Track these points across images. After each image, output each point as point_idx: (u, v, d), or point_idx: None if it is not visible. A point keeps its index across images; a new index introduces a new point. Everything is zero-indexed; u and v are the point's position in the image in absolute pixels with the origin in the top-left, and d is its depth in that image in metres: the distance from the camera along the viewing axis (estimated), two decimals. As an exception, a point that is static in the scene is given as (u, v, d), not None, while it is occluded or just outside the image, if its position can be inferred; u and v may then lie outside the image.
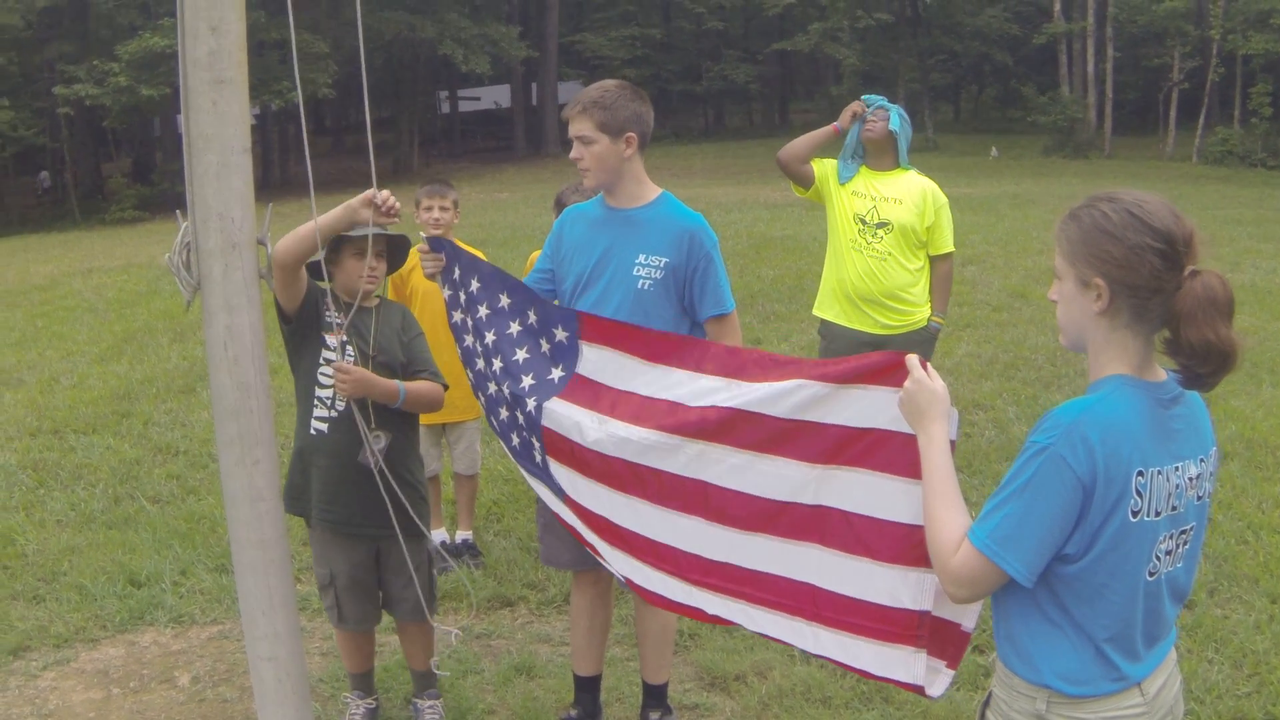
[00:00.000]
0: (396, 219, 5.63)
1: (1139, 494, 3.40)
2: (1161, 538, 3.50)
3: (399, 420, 6.32)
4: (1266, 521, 9.24)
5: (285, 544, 4.86)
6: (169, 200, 53.50)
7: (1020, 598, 3.57)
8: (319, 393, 6.23)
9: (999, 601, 3.66)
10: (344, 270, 6.14)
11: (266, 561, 4.76)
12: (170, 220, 4.51)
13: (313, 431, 6.26)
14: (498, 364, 5.53)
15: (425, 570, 6.54)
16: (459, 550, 9.16)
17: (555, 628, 7.96)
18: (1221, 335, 3.35)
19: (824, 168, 9.00)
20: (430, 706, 6.76)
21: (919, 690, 4.22)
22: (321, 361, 6.21)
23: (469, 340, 5.78)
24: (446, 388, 6.56)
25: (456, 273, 5.86)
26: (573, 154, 6.00)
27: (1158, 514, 3.46)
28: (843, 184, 8.87)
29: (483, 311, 5.70)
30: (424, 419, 8.27)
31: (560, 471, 5.30)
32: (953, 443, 3.85)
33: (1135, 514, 3.40)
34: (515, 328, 5.59)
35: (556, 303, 6.06)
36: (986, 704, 3.87)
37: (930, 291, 8.99)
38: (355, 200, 5.50)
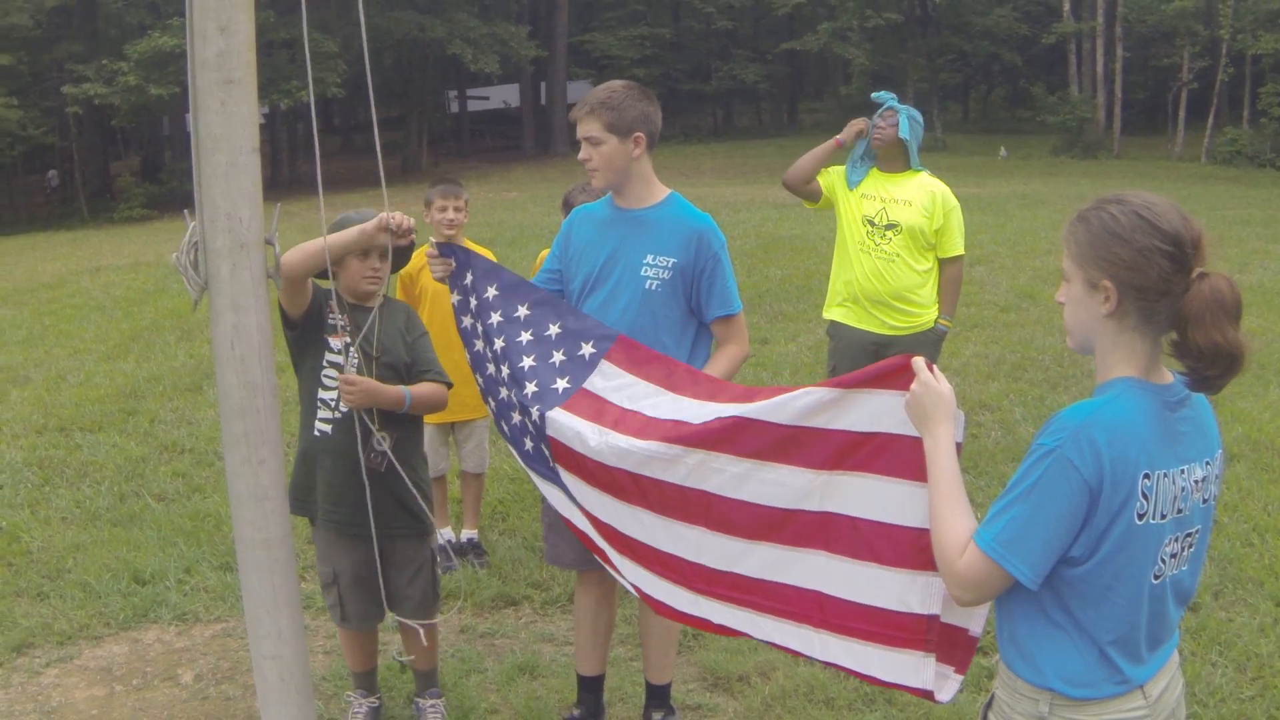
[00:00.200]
0: (412, 237, 5.64)
1: (1145, 497, 3.40)
2: (1167, 541, 3.50)
3: (403, 420, 6.32)
4: (1272, 524, 9.22)
5: (290, 543, 4.86)
6: (177, 199, 53.69)
7: (1024, 600, 3.56)
8: (322, 394, 6.24)
9: (1003, 603, 3.65)
10: (347, 271, 6.13)
11: (271, 561, 4.76)
12: (178, 219, 4.51)
13: (316, 433, 6.28)
14: (505, 370, 5.52)
15: (428, 569, 6.56)
16: (464, 549, 9.16)
17: (559, 627, 7.96)
18: (1229, 338, 3.34)
19: (830, 178, 9.03)
20: (433, 706, 6.75)
21: (929, 695, 4.21)
22: (325, 364, 6.22)
23: (479, 345, 5.78)
24: (450, 386, 6.57)
25: (468, 278, 5.85)
26: (581, 155, 6.00)
27: (1163, 517, 3.45)
28: (852, 189, 8.89)
29: (495, 318, 5.69)
30: (434, 418, 8.31)
31: (569, 479, 5.30)
32: (959, 445, 3.84)
33: (1141, 517, 3.40)
34: (526, 337, 5.57)
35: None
36: (989, 706, 3.87)
37: (939, 293, 8.99)
38: (370, 225, 5.53)
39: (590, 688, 6.68)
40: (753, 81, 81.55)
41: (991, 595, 3.58)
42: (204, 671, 7.49)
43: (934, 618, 4.12)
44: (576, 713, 6.67)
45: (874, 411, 4.19)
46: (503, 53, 66.42)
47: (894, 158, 8.82)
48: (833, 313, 9.19)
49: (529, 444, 5.51)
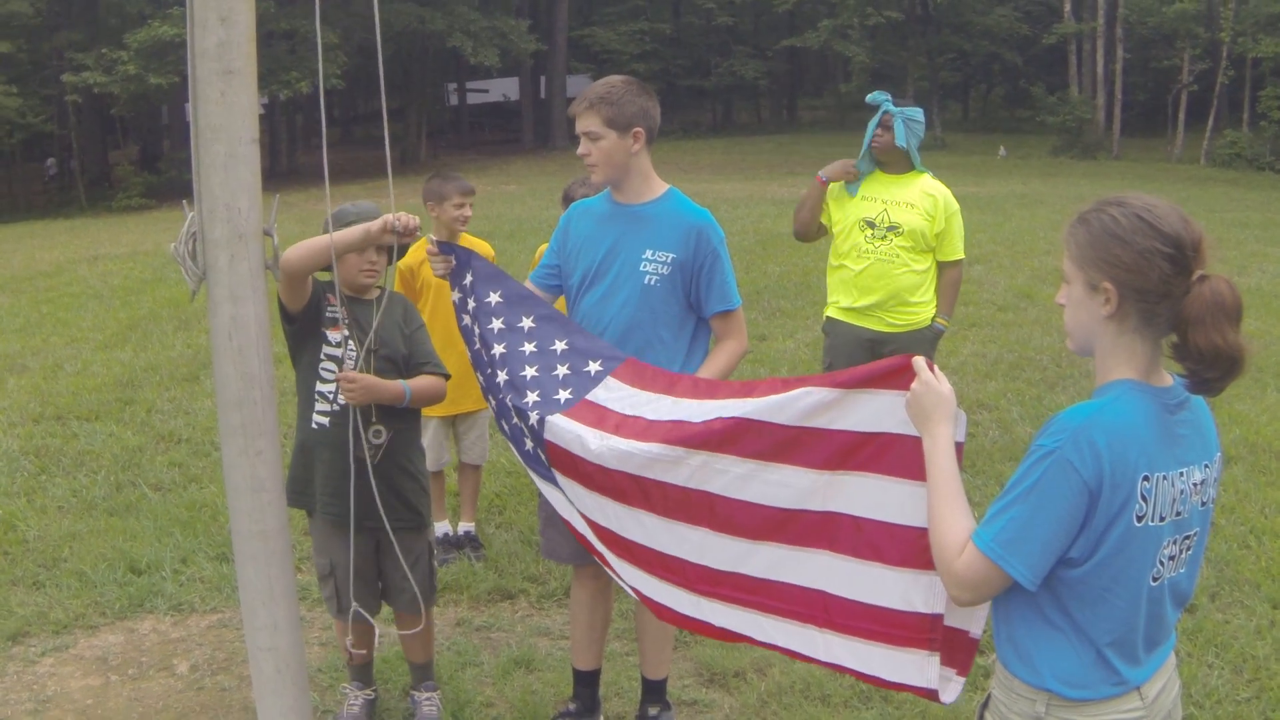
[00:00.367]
0: (417, 237, 5.65)
1: (1144, 499, 3.39)
2: (1165, 543, 3.49)
3: (401, 413, 6.33)
4: (1269, 526, 9.22)
5: (287, 535, 4.86)
6: (176, 188, 53.69)
7: (1022, 600, 3.56)
8: (321, 387, 6.24)
9: (1000, 603, 3.65)
10: (344, 264, 6.12)
11: (268, 552, 4.76)
12: (176, 208, 4.51)
13: (314, 426, 6.28)
14: (503, 376, 5.50)
15: (425, 561, 6.56)
16: (461, 542, 9.16)
17: (555, 621, 7.96)
18: (1229, 340, 3.34)
19: (827, 205, 9.06)
20: (428, 699, 6.75)
21: (933, 695, 4.20)
22: (323, 357, 6.23)
23: (477, 345, 5.77)
24: (448, 378, 6.58)
25: (468, 279, 5.83)
26: (580, 150, 5.99)
27: (1162, 519, 3.45)
28: (853, 195, 8.89)
29: (496, 324, 5.67)
30: (438, 411, 8.33)
31: (566, 484, 5.28)
32: (960, 445, 3.84)
33: (1140, 519, 3.40)
34: (529, 347, 5.55)
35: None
36: (985, 706, 3.87)
37: (937, 294, 8.99)
38: (374, 226, 5.50)
39: (586, 682, 6.68)
40: (752, 78, 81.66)
41: (989, 595, 3.58)
42: (200, 662, 7.49)
43: (938, 617, 4.12)
44: (572, 707, 6.66)
45: (875, 412, 4.19)
46: (503, 46, 66.43)
47: (896, 160, 8.82)
48: (830, 309, 9.20)
49: (529, 444, 5.50)
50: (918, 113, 8.77)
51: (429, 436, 8.90)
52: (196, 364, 15.32)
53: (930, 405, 3.82)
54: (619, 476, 4.90)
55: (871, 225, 8.72)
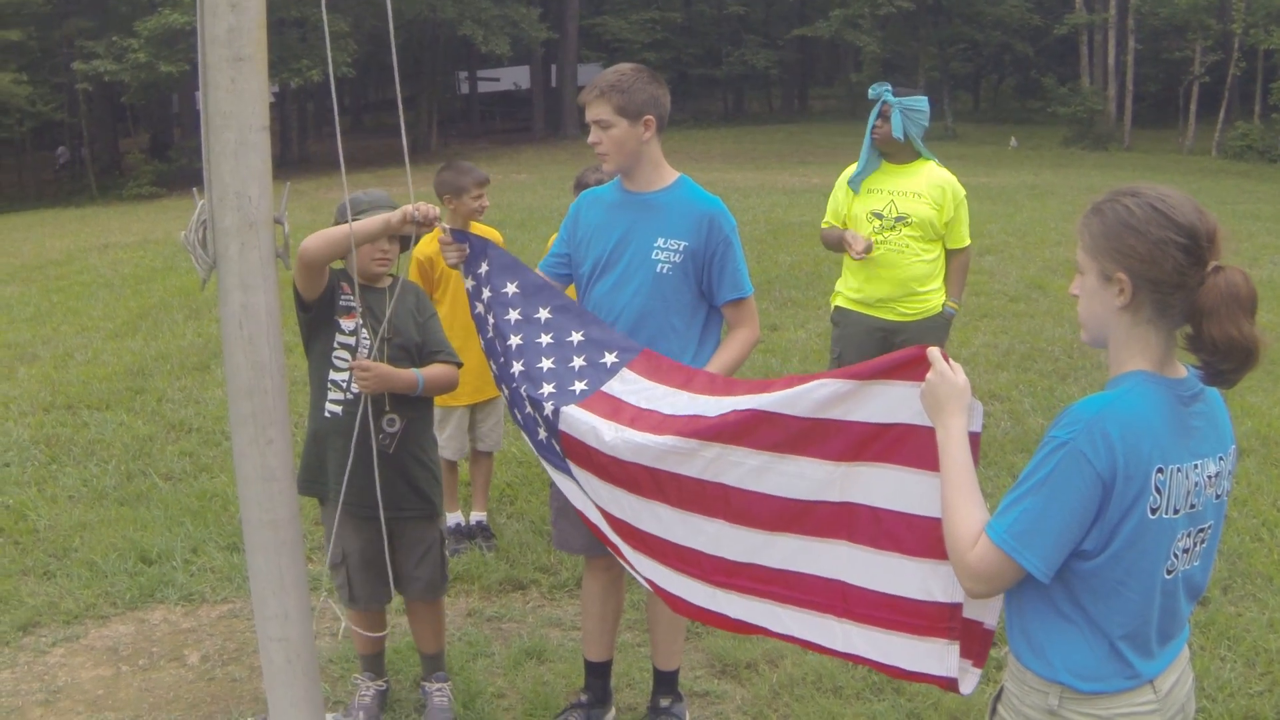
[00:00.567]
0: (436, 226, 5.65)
1: (1158, 491, 3.38)
2: (1180, 536, 3.48)
3: (414, 402, 6.34)
4: (1282, 519, 9.20)
5: (297, 524, 4.85)
6: (186, 177, 53.59)
7: (1035, 592, 3.55)
8: (334, 376, 6.25)
9: (1013, 596, 3.64)
10: (358, 252, 6.12)
11: (278, 542, 4.76)
12: (187, 197, 4.50)
13: (327, 414, 6.28)
14: (519, 366, 5.50)
15: (436, 551, 6.56)
16: (473, 532, 9.16)
17: (567, 612, 7.95)
18: (1244, 331, 3.32)
19: (838, 200, 9.06)
20: (439, 689, 6.74)
21: (952, 684, 4.19)
22: (336, 345, 6.23)
23: (490, 334, 5.76)
24: (460, 366, 6.61)
25: (483, 268, 5.82)
26: (590, 138, 5.98)
27: (1176, 512, 3.44)
28: (856, 192, 8.87)
29: (513, 315, 5.66)
30: (459, 400, 8.35)
31: (580, 475, 5.28)
32: (977, 435, 3.83)
33: (1154, 511, 3.38)
34: (546, 339, 5.55)
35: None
36: (998, 698, 3.86)
37: (946, 279, 8.98)
38: (394, 216, 5.53)
39: (597, 673, 6.67)
40: (764, 67, 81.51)
41: (1003, 588, 3.56)
42: (210, 652, 7.49)
43: (957, 606, 4.11)
44: (584, 698, 6.65)
45: (891, 403, 4.18)
46: (514, 34, 66.38)
47: (899, 150, 8.80)
48: (839, 299, 9.19)
49: (542, 434, 5.49)
50: (919, 101, 8.73)
51: (452, 426, 8.91)
52: (207, 353, 15.32)
53: (944, 396, 3.81)
54: (634, 468, 4.89)
55: (879, 217, 8.70)
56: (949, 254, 8.96)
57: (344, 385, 6.21)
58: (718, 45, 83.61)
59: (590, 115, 5.93)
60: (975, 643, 4.17)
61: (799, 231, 23.95)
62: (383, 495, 5.79)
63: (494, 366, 5.82)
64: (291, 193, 4.97)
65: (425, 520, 6.50)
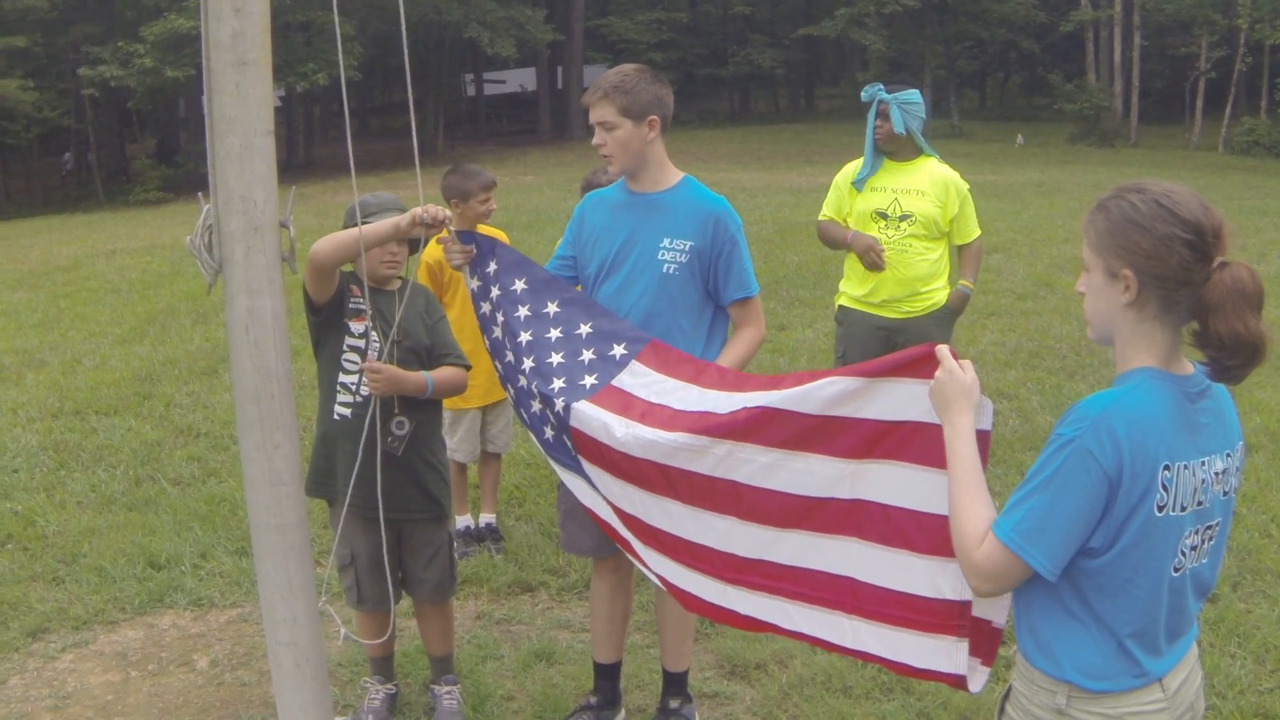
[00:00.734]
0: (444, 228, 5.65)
1: (1165, 488, 3.37)
2: (1187, 533, 3.48)
3: (423, 404, 6.35)
4: (1291, 515, 9.19)
5: (305, 529, 4.85)
6: (193, 181, 53.55)
7: (1043, 591, 3.54)
8: (343, 378, 6.27)
9: (1021, 594, 3.64)
10: (366, 255, 6.13)
11: (286, 546, 4.75)
12: (194, 201, 4.52)
13: (336, 416, 6.29)
14: (529, 363, 5.50)
15: (445, 553, 6.57)
16: (482, 534, 9.16)
17: (575, 614, 7.95)
18: (1250, 327, 3.32)
19: (840, 195, 9.03)
20: (448, 692, 6.75)
21: (961, 682, 4.19)
22: (345, 347, 6.26)
23: (497, 333, 5.76)
24: (469, 368, 6.64)
25: (491, 267, 5.83)
26: (595, 140, 5.98)
27: (1183, 509, 3.43)
28: (860, 190, 8.87)
29: (522, 311, 5.67)
30: (473, 402, 8.36)
31: (591, 470, 5.29)
32: (987, 433, 3.83)
33: (1161, 509, 3.38)
34: (555, 334, 5.56)
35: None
36: (1006, 697, 3.85)
37: (960, 264, 9.00)
38: (404, 219, 5.53)
39: (607, 675, 6.67)
40: (769, 67, 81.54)
41: (1010, 586, 3.56)
42: (220, 657, 7.50)
43: (966, 604, 4.11)
44: (593, 700, 6.66)
45: (900, 400, 4.18)
46: (519, 36, 66.43)
47: (901, 148, 8.81)
48: (842, 298, 9.19)
49: (549, 433, 5.50)
50: (913, 94, 8.75)
51: (464, 429, 8.91)
52: (215, 357, 15.33)
53: (952, 394, 3.80)
54: (645, 464, 4.90)
55: (884, 216, 8.71)
56: (960, 247, 8.97)
57: (353, 387, 6.23)
58: (723, 45, 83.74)
59: (594, 117, 5.93)
60: (984, 641, 4.17)
61: (806, 231, 23.92)
62: (391, 497, 5.79)
63: (499, 366, 5.82)
64: (298, 197, 4.98)
65: (434, 522, 6.51)
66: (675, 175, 6.10)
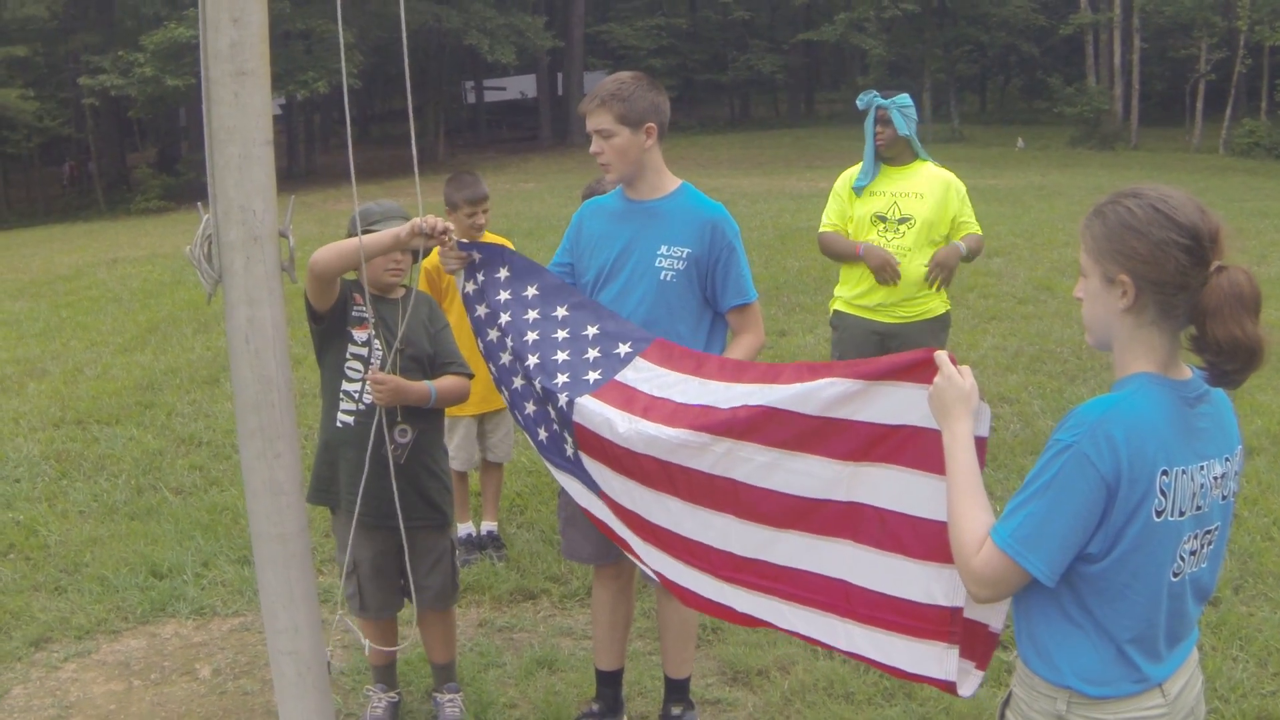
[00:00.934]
0: (444, 237, 5.65)
1: (1163, 494, 3.38)
2: (1186, 538, 3.48)
3: (426, 413, 6.37)
4: (1293, 518, 9.19)
5: (306, 538, 4.86)
6: (194, 190, 53.70)
7: (1042, 597, 3.54)
8: (346, 386, 6.28)
9: (1020, 600, 3.64)
10: (370, 263, 6.13)
11: (287, 555, 4.76)
12: (195, 210, 4.51)
13: (339, 424, 6.30)
14: (533, 359, 5.51)
15: (447, 561, 6.58)
16: (483, 542, 9.16)
17: (577, 621, 7.95)
18: (1248, 331, 3.32)
19: (842, 203, 9.02)
20: (450, 700, 6.75)
21: (951, 688, 4.21)
22: (348, 356, 6.27)
23: (492, 335, 5.76)
24: (472, 377, 6.64)
25: (502, 273, 5.82)
26: (593, 148, 5.99)
27: (1182, 514, 3.43)
28: (859, 195, 8.88)
29: (531, 315, 5.66)
30: (468, 411, 8.36)
31: (592, 466, 5.30)
32: (984, 439, 3.83)
33: (1159, 514, 3.38)
34: (562, 334, 5.56)
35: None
36: (1006, 703, 3.85)
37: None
38: (404, 230, 5.51)
39: (609, 682, 6.68)
40: (770, 72, 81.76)
41: (1008, 592, 3.56)
42: (222, 666, 7.50)
43: (958, 610, 4.12)
44: (595, 707, 6.66)
45: (898, 404, 4.20)
46: (519, 43, 66.55)
47: (900, 153, 8.84)
48: (837, 303, 9.20)
49: (543, 433, 5.52)
50: (905, 98, 8.81)
51: (459, 436, 8.92)
52: (216, 366, 15.34)
53: (951, 400, 3.81)
54: (646, 460, 4.92)
55: (883, 220, 8.73)
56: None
57: (356, 395, 6.24)
58: (723, 51, 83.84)
59: (591, 125, 5.93)
60: (979, 645, 4.18)
61: (807, 236, 23.94)
62: (393, 505, 5.79)
63: (493, 369, 5.82)
64: (299, 205, 5.00)
65: (436, 530, 6.51)
66: (673, 182, 6.11)
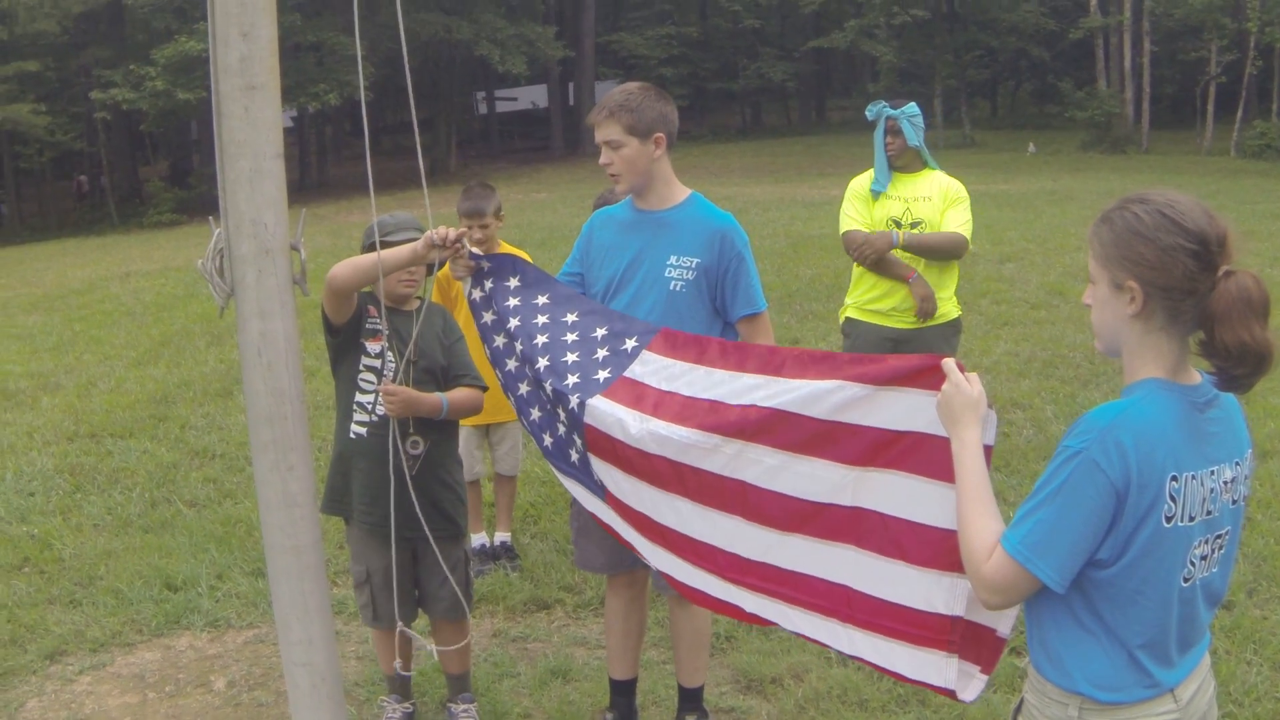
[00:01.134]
0: (460, 248, 5.65)
1: (1173, 499, 3.38)
2: (1196, 543, 3.48)
3: (439, 424, 6.38)
4: (1306, 521, 9.17)
5: (320, 549, 4.86)
6: (206, 203, 53.80)
7: (1053, 603, 3.55)
8: (359, 398, 6.29)
9: (1032, 607, 3.64)
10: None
11: (301, 567, 4.76)
12: (207, 224, 4.51)
13: (352, 435, 6.32)
14: (544, 362, 5.52)
15: (461, 570, 6.58)
16: (497, 553, 9.17)
17: (591, 631, 7.96)
18: (1257, 336, 3.32)
19: (863, 200, 9.02)
20: (465, 710, 6.76)
21: (951, 694, 4.22)
22: (361, 367, 6.28)
23: (499, 340, 5.78)
24: (485, 389, 6.63)
25: (513, 282, 5.84)
26: (602, 159, 6.00)
27: (1192, 519, 3.43)
28: (876, 199, 8.89)
29: (541, 319, 5.68)
30: (470, 421, 8.34)
31: (601, 468, 5.31)
32: (989, 447, 3.83)
33: (1169, 519, 3.38)
34: (572, 337, 5.58)
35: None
36: (1018, 710, 3.85)
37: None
38: (420, 244, 5.54)
39: (623, 691, 6.69)
40: (780, 80, 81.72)
41: (1019, 599, 3.57)
42: (236, 678, 7.51)
43: (958, 619, 4.14)
44: (609, 716, 6.67)
45: (906, 410, 4.21)
46: (530, 53, 66.54)
47: (911, 160, 8.87)
48: (848, 310, 9.21)
49: (549, 438, 5.55)
50: (914, 108, 8.84)
51: (460, 446, 8.91)
52: (229, 379, 15.37)
53: (959, 408, 3.81)
54: (658, 461, 4.95)
55: (898, 224, 8.73)
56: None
57: (369, 407, 6.25)
58: (734, 59, 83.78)
59: (600, 136, 5.95)
60: (985, 649, 4.19)
61: (819, 244, 23.97)
62: (407, 516, 5.81)
63: (500, 375, 5.84)
64: (312, 217, 5.02)
65: (449, 541, 6.50)
66: (682, 192, 6.12)
